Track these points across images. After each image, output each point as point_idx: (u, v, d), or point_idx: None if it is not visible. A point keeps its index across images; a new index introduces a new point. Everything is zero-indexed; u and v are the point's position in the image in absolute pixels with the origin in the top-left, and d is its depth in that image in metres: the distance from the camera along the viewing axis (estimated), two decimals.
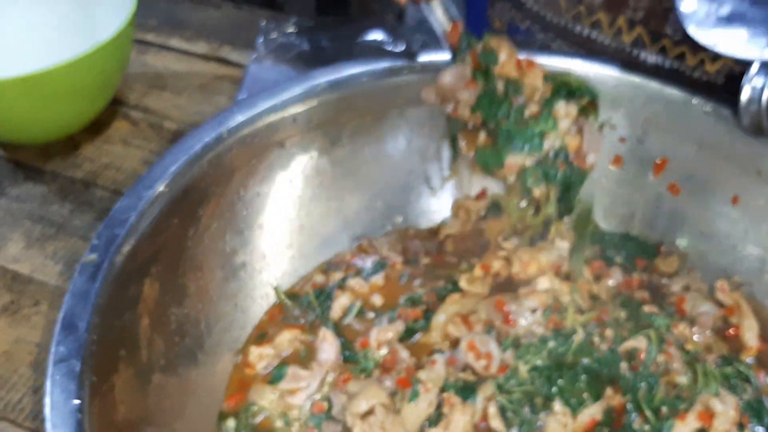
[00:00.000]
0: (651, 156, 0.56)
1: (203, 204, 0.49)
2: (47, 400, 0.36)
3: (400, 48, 0.69)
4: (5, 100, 0.60)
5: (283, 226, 0.54)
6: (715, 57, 0.56)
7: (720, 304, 0.53)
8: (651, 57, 0.59)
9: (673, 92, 0.54)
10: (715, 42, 0.49)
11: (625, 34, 0.60)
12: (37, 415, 0.50)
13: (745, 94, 0.50)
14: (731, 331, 0.52)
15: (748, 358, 0.51)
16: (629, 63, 0.63)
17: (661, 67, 0.59)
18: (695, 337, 0.52)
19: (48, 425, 0.35)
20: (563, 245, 0.56)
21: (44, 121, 0.64)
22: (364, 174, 0.56)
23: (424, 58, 0.55)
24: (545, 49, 0.76)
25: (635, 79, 0.55)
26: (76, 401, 0.36)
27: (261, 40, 0.74)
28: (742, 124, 0.51)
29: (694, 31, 0.50)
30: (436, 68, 0.54)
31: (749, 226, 0.54)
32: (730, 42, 0.49)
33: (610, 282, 0.54)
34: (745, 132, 0.52)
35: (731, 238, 0.55)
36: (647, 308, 0.52)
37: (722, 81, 0.57)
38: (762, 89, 0.49)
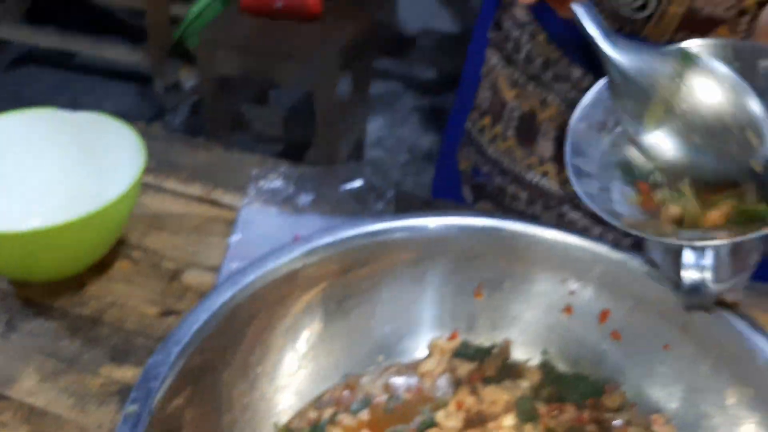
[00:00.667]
0: (596, 307, 0.66)
1: (219, 355, 0.56)
2: None
3: (380, 199, 0.78)
4: (17, 251, 0.67)
5: (282, 369, 0.62)
6: None
7: None
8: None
9: (614, 253, 0.65)
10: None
11: (570, 185, 0.70)
12: None
13: (688, 280, 0.53)
14: None
15: None
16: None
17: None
18: None
19: None
20: (525, 384, 0.65)
21: (54, 266, 0.71)
22: (354, 321, 0.64)
23: (408, 220, 0.65)
24: (514, 201, 0.88)
25: (583, 243, 0.65)
26: None
27: (252, 185, 0.83)
28: (686, 305, 0.57)
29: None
30: (419, 230, 0.64)
31: (678, 369, 0.63)
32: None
33: (564, 418, 0.63)
34: (687, 309, 0.58)
35: (664, 379, 0.64)
36: None
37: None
38: (702, 274, 0.52)
